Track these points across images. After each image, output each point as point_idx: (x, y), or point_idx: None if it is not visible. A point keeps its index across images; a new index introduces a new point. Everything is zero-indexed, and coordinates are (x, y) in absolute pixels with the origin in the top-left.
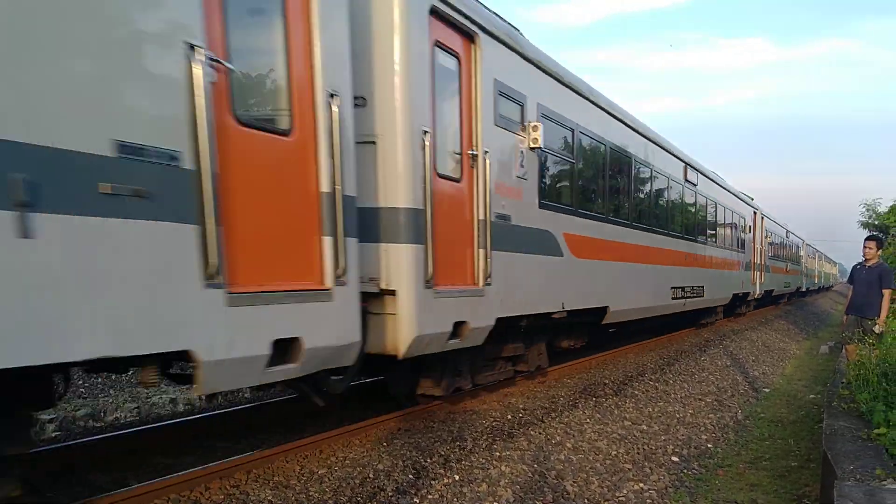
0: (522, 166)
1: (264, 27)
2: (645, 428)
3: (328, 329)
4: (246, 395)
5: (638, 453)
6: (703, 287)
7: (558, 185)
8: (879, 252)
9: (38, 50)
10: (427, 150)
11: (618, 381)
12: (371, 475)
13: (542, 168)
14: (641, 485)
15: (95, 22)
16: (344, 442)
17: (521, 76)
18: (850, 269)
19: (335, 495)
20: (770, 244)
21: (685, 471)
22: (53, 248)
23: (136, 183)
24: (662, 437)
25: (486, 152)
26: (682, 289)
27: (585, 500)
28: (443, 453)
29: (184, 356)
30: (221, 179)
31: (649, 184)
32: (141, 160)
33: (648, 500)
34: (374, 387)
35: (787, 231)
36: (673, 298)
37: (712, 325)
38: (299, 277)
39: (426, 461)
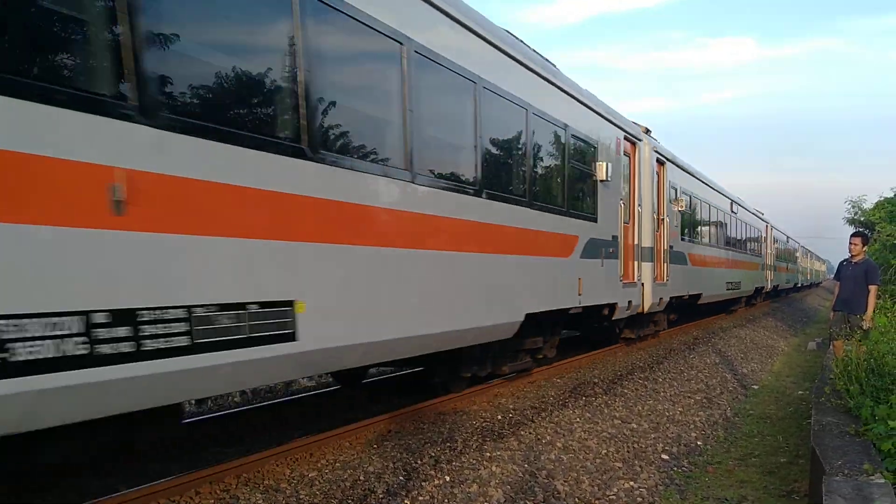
0: (675, 221)
1: (627, 186)
2: (635, 426)
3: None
4: (236, 399)
5: (628, 452)
6: (740, 283)
7: (686, 227)
8: (865, 248)
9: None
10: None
11: (607, 380)
12: (362, 477)
13: (682, 219)
14: (632, 483)
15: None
16: (334, 444)
17: (678, 177)
18: (836, 266)
19: (326, 498)
20: (776, 249)
21: (675, 468)
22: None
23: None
24: (652, 436)
25: (666, 217)
26: (731, 283)
27: (576, 500)
28: (433, 454)
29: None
30: (621, 243)
31: (722, 219)
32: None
33: (639, 499)
34: (363, 388)
35: (787, 237)
36: (727, 290)
37: (706, 322)
38: (631, 278)
39: (416, 462)
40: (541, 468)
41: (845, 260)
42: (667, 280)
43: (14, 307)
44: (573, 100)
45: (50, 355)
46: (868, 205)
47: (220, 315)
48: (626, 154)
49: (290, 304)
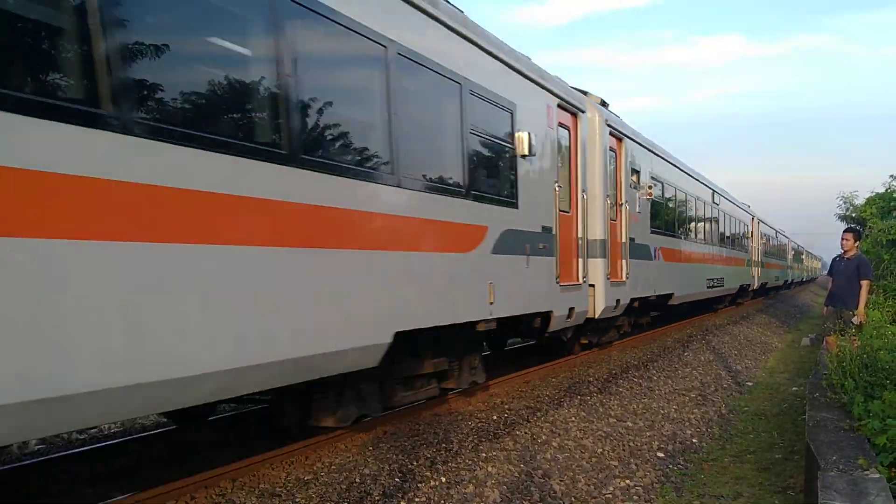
0: (639, 209)
1: (566, 166)
2: (630, 425)
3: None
4: (231, 404)
5: (623, 450)
6: (722, 279)
7: (656, 218)
8: (857, 244)
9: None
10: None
11: (602, 379)
12: (357, 480)
13: (651, 209)
14: (628, 481)
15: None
16: (330, 447)
17: (643, 158)
18: (829, 262)
19: (322, 501)
20: (764, 244)
21: (671, 466)
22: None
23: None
24: (647, 434)
25: (625, 203)
26: (713, 280)
27: (572, 499)
28: (429, 456)
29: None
30: (557, 236)
31: (702, 209)
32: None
33: (635, 497)
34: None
35: (777, 232)
36: (707, 287)
37: (698, 320)
38: (573, 279)
39: (412, 464)
40: (537, 468)
41: (838, 256)
42: (626, 279)
43: None
44: (475, 47)
45: None
46: (860, 200)
47: None
48: (563, 126)
49: None
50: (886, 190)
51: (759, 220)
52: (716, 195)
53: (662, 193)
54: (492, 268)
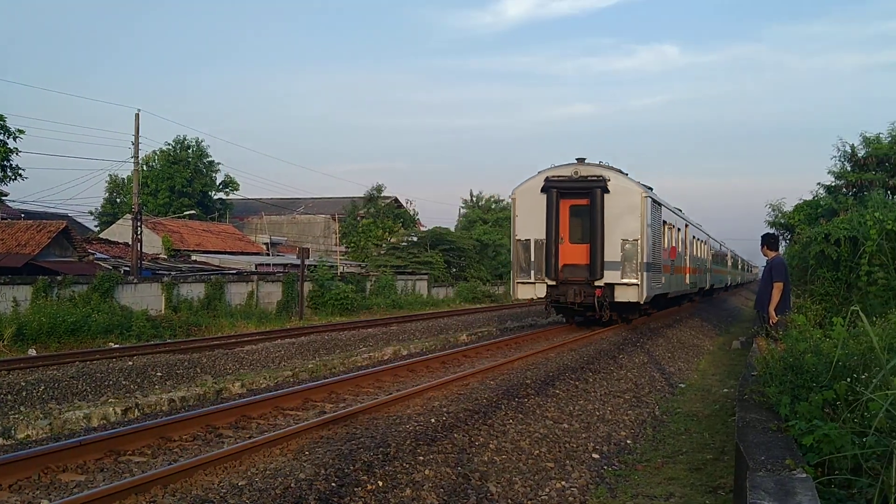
0: (666, 243)
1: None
2: (566, 426)
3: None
4: (163, 408)
5: (560, 452)
6: (695, 283)
7: (665, 247)
8: (774, 250)
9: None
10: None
11: (540, 381)
12: (293, 484)
13: (673, 244)
14: (563, 483)
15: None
16: (265, 452)
17: (657, 215)
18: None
19: None
20: (713, 255)
21: (605, 467)
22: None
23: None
24: (583, 435)
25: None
26: (688, 283)
27: (509, 501)
28: (366, 460)
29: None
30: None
31: (681, 238)
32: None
33: (570, 498)
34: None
35: (721, 244)
36: (694, 280)
37: (636, 322)
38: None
39: (349, 468)
40: (474, 470)
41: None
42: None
43: None
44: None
45: None
46: (788, 207)
47: None
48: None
49: None
50: (814, 197)
51: (709, 237)
52: (689, 226)
53: (674, 234)
54: (702, 277)
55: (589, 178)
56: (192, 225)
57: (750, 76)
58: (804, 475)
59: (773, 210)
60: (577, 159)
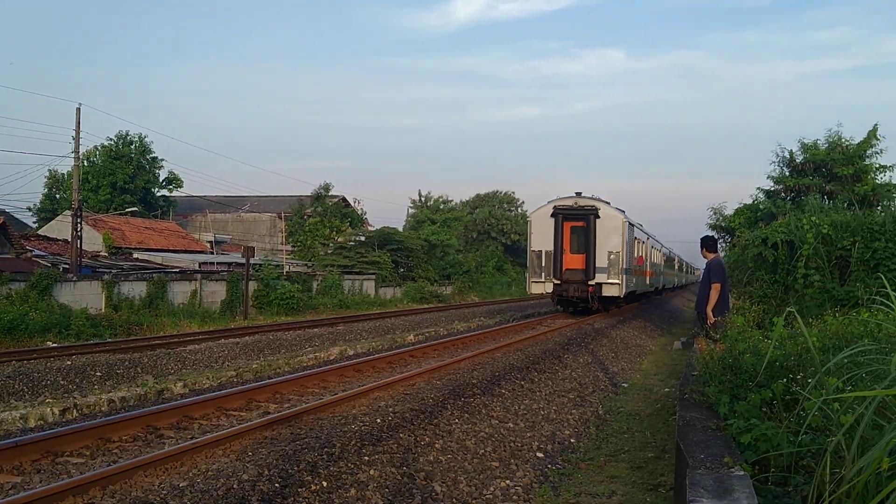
0: (635, 254)
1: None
2: (511, 426)
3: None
4: (103, 408)
5: (505, 451)
6: (653, 283)
7: (635, 255)
8: (714, 252)
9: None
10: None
11: (486, 381)
12: (235, 486)
13: (640, 255)
14: (508, 482)
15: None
16: (207, 453)
17: (632, 234)
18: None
19: None
20: (664, 261)
21: (550, 466)
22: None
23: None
24: (528, 434)
25: (621, 252)
26: (650, 284)
27: (453, 500)
28: (310, 460)
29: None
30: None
31: (645, 249)
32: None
33: (514, 497)
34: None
35: (670, 250)
36: (652, 281)
37: (587, 321)
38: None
39: (293, 469)
40: (419, 470)
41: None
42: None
43: None
44: (653, 239)
45: None
46: (729, 211)
47: None
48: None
49: None
50: (754, 201)
51: (662, 245)
52: (649, 238)
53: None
54: (656, 278)
55: (585, 207)
56: (134, 222)
57: (690, 82)
58: (742, 473)
59: (715, 213)
60: (576, 193)
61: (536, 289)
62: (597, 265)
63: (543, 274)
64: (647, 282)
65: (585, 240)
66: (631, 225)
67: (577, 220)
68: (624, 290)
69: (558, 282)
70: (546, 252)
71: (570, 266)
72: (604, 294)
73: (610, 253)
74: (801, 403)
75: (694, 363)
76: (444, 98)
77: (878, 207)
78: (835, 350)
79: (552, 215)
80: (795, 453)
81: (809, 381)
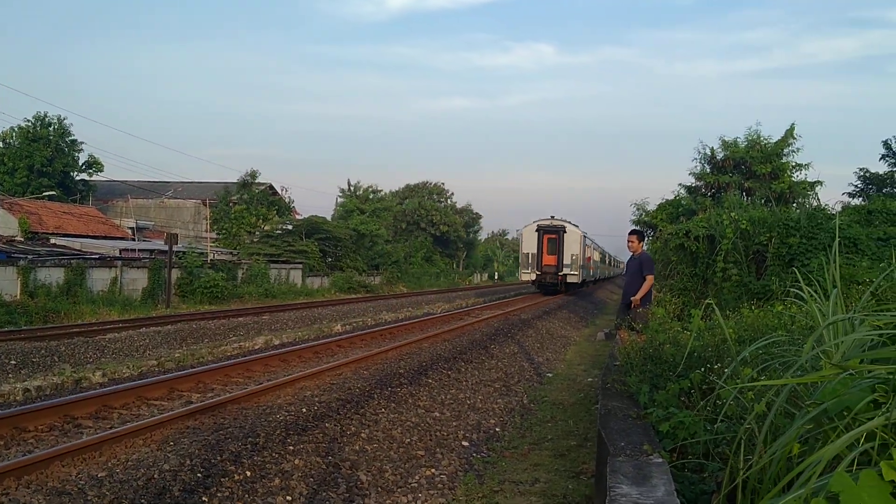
0: (586, 255)
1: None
2: (438, 415)
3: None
4: (17, 398)
5: (431, 440)
6: (597, 275)
7: (586, 256)
8: (642, 244)
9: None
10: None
11: (413, 371)
12: (156, 476)
13: (588, 255)
14: (433, 470)
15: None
16: (127, 443)
17: (585, 242)
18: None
19: (116, 499)
20: (600, 257)
21: (475, 454)
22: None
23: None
24: (454, 423)
25: (578, 254)
26: (591, 274)
27: (379, 489)
28: (234, 450)
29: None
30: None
31: (590, 250)
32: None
33: (439, 485)
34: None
35: (603, 249)
36: (593, 273)
37: (521, 311)
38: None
39: (216, 458)
40: (345, 459)
41: (630, 256)
42: (582, 274)
43: None
44: (595, 243)
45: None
46: (651, 207)
47: None
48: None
49: None
50: (675, 197)
51: (598, 246)
52: (593, 243)
53: (602, 255)
54: (596, 271)
55: (556, 226)
56: (52, 206)
57: (620, 79)
58: (660, 460)
59: (638, 209)
60: (551, 216)
61: (525, 277)
62: (563, 263)
63: (530, 268)
64: (591, 273)
65: (557, 247)
66: (585, 237)
67: (552, 233)
68: (580, 279)
69: (539, 273)
70: (532, 254)
71: (547, 263)
72: (568, 281)
73: (572, 255)
74: (716, 392)
75: (616, 354)
76: (375, 87)
77: (794, 204)
78: (750, 341)
79: (535, 230)
80: (712, 441)
81: (726, 370)
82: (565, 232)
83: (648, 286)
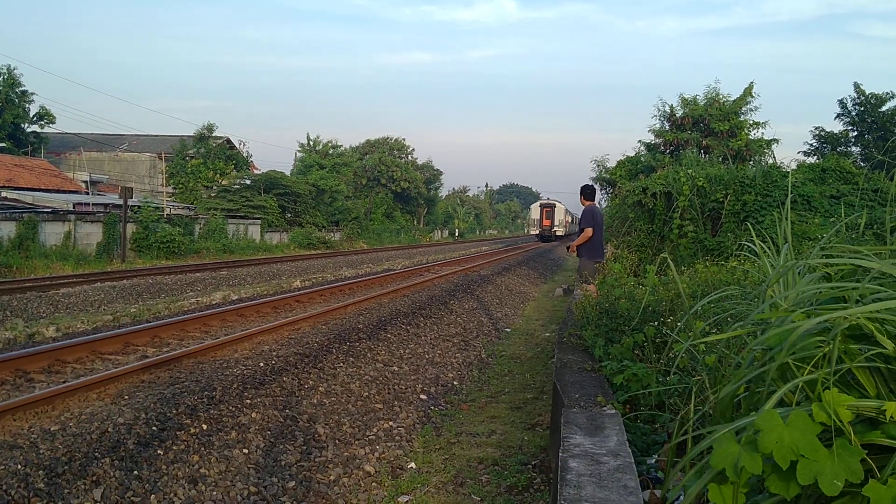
0: (566, 220)
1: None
2: (396, 369)
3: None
4: None
5: (389, 393)
6: (568, 232)
7: (566, 220)
8: (589, 201)
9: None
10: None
11: (372, 326)
12: (111, 429)
13: (567, 220)
14: (391, 423)
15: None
16: (81, 397)
17: (566, 213)
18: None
19: (69, 452)
20: (572, 219)
21: (433, 407)
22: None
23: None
24: (412, 377)
25: (562, 219)
26: (567, 231)
27: (336, 441)
28: (190, 403)
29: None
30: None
31: (569, 217)
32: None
33: (397, 437)
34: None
35: (574, 214)
36: (568, 231)
37: (481, 268)
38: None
39: (172, 412)
40: (302, 412)
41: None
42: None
43: None
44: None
45: None
46: (611, 164)
47: None
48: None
49: None
50: (635, 154)
51: (573, 214)
52: (569, 211)
53: (571, 218)
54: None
55: (550, 204)
56: (3, 159)
57: (582, 35)
58: (613, 411)
59: (598, 166)
60: (548, 198)
61: (532, 232)
62: (554, 224)
63: (536, 227)
64: (567, 230)
65: (551, 216)
66: (566, 210)
67: (548, 208)
68: (564, 234)
69: (540, 229)
70: (536, 219)
71: (545, 224)
72: (556, 235)
73: (559, 220)
74: (669, 345)
75: (573, 309)
76: (334, 40)
77: (751, 162)
78: (704, 296)
79: (539, 206)
80: (665, 392)
81: (679, 324)
82: (555, 207)
83: (583, 238)
